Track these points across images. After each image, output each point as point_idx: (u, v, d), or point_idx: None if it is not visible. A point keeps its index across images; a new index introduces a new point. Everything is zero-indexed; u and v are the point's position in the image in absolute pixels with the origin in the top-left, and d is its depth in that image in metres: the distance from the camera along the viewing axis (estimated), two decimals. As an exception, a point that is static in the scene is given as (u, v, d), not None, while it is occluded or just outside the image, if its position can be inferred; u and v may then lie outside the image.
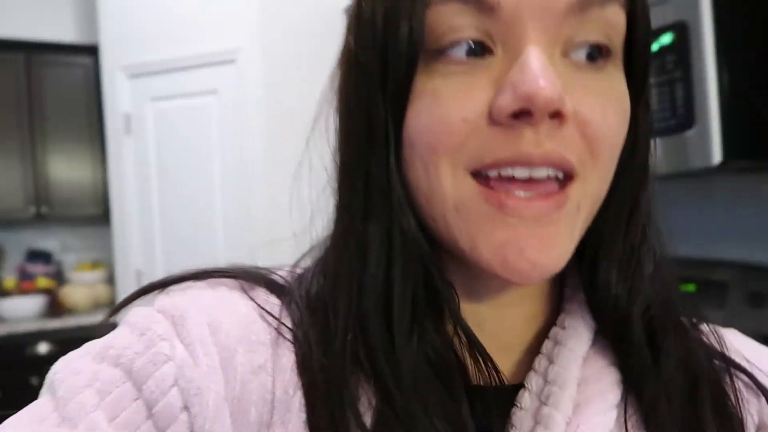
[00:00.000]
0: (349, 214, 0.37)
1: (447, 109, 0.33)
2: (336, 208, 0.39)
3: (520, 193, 0.33)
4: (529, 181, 0.33)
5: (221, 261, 0.42)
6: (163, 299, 0.37)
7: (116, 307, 0.39)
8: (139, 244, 2.84)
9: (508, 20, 0.32)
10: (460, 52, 0.33)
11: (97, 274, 3.27)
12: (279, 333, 0.36)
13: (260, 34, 2.56)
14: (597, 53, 0.34)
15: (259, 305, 0.37)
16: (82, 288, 3.19)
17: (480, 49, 0.33)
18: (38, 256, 3.30)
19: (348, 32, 0.38)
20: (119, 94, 2.82)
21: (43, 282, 3.17)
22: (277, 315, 0.37)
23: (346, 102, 0.38)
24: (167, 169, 2.76)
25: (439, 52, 0.33)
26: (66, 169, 3.22)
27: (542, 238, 0.33)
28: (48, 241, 3.39)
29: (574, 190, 0.34)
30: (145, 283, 0.39)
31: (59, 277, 3.31)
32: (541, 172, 0.33)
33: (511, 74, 0.32)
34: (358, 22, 0.36)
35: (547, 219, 0.33)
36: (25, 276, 3.21)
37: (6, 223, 3.21)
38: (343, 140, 0.38)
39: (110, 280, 3.21)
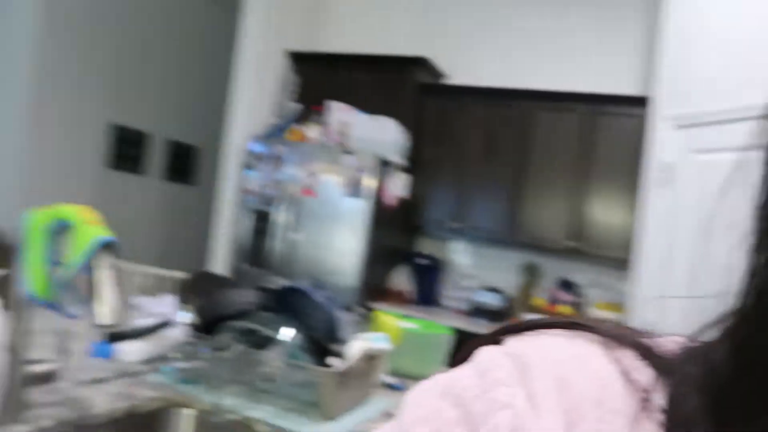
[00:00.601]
0: (759, 289, 0.30)
1: None
2: (746, 276, 0.31)
3: None
4: None
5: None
6: (512, 342, 0.34)
7: (473, 342, 0.36)
8: (656, 296, 2.77)
9: None
10: None
11: (611, 316, 3.36)
12: (644, 406, 0.29)
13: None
14: None
15: (623, 367, 0.31)
16: (596, 324, 3.34)
17: None
18: (567, 285, 3.65)
19: None
20: (663, 144, 2.83)
21: (564, 309, 3.50)
22: (646, 384, 0.30)
23: None
24: (700, 226, 2.59)
25: None
26: (602, 211, 3.46)
27: None
28: (577, 274, 3.70)
29: None
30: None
31: (579, 309, 3.57)
32: None
33: None
34: None
35: None
36: (553, 300, 3.61)
37: (546, 251, 3.70)
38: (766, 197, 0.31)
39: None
